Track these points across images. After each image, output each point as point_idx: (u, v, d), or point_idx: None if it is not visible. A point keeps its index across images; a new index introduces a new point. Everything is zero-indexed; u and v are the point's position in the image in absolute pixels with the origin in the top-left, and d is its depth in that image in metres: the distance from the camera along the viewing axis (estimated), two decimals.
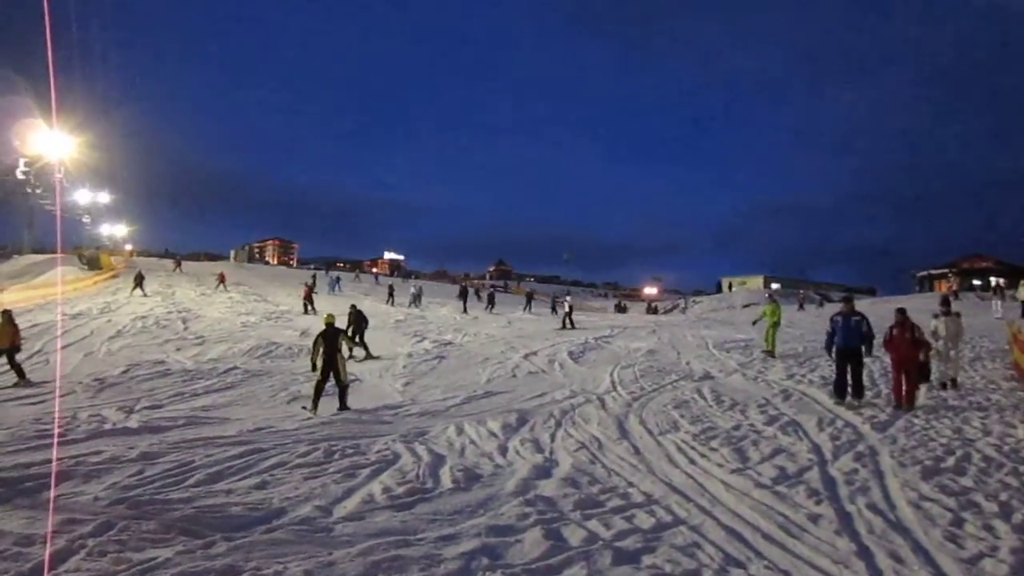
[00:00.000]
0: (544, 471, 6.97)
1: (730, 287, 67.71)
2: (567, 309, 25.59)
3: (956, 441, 7.94)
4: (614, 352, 17.22)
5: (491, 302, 35.65)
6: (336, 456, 7.37)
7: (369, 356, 16.01)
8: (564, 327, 24.19)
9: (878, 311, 22.41)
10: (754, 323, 19.69)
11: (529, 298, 37.25)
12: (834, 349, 10.51)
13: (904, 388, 10.03)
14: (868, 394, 10.72)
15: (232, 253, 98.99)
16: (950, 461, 7.11)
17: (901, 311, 10.56)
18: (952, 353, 11.73)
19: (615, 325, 26.65)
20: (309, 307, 26.69)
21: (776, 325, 16.52)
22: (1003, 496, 5.98)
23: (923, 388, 10.69)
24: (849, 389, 10.32)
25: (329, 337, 10.62)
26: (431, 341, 19.29)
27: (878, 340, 10.42)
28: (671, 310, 34.38)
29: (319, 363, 10.57)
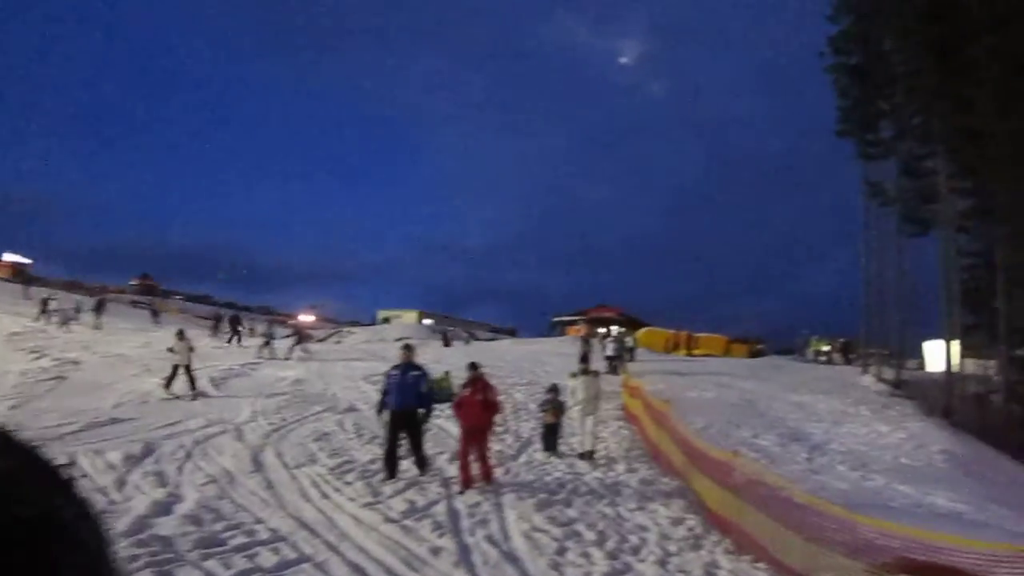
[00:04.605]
0: (164, 508, 6.32)
1: (386, 320, 69.07)
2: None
3: (568, 475, 8.81)
4: (259, 380, 16.33)
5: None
6: None
7: None
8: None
9: (517, 351, 24.34)
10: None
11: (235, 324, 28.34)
12: (385, 412, 8.32)
13: (480, 464, 8.10)
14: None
15: None
16: (561, 494, 7.85)
17: (473, 366, 8.75)
18: (589, 420, 10.19)
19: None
20: None
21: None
22: (600, 525, 6.72)
23: (540, 456, 10.00)
24: (412, 462, 8.21)
25: None
26: (52, 359, 16.67)
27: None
28: (325, 339, 33.79)
29: None
